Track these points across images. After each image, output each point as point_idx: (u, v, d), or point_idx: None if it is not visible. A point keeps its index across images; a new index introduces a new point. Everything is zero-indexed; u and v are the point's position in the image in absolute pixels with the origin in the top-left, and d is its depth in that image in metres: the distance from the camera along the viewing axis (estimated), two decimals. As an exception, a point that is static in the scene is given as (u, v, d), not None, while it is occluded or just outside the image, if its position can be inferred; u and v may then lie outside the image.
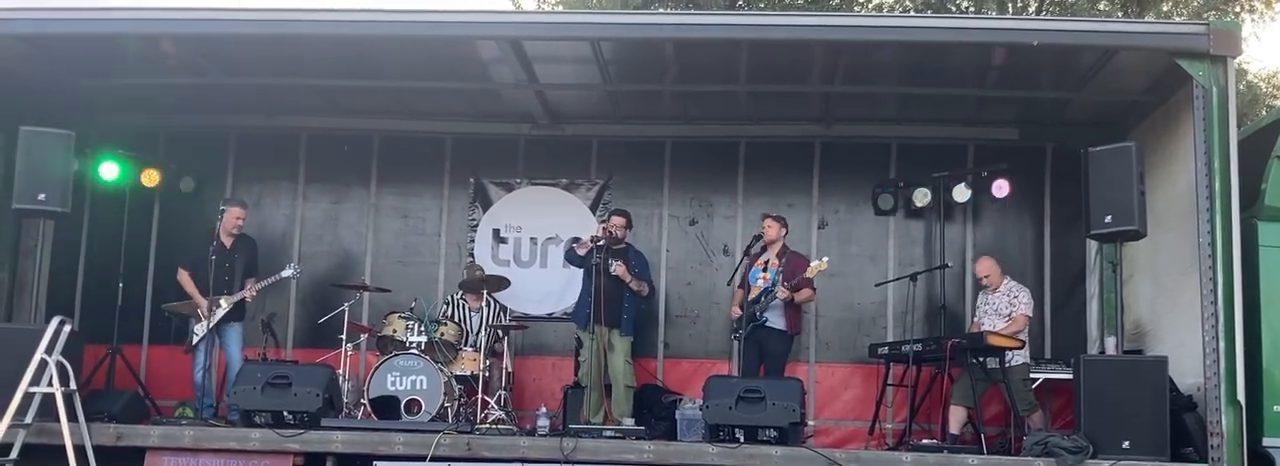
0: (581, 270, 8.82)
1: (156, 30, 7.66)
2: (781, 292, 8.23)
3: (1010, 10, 16.16)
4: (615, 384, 8.55)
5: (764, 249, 8.68)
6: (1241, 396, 6.55)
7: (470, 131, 9.91)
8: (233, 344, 8.75)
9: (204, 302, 8.57)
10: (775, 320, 8.38)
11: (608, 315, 8.47)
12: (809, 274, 8.24)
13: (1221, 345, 6.62)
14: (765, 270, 8.55)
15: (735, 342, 8.63)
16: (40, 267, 8.59)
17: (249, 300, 8.81)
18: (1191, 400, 7.04)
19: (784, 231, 8.65)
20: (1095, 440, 6.72)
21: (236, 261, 8.81)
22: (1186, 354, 7.11)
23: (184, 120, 9.78)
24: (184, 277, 8.74)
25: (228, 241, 8.76)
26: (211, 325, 8.56)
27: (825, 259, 8.30)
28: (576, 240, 8.92)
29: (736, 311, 8.61)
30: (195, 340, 8.60)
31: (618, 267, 8.52)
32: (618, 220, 8.78)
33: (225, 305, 8.63)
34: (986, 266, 8.52)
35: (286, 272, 8.87)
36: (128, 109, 9.47)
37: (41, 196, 7.51)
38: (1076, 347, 8.82)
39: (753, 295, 8.50)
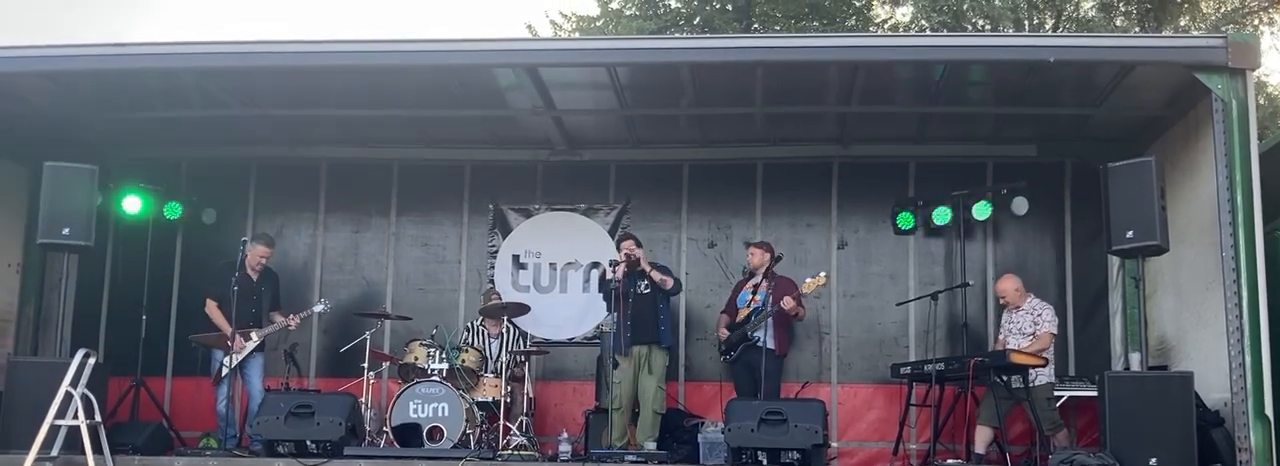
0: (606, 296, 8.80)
1: (176, 65, 7.73)
2: (786, 303, 8.24)
3: (1026, 27, 16.21)
4: (644, 407, 8.50)
5: (752, 274, 8.73)
6: (1269, 410, 6.49)
7: (489, 158, 9.96)
8: (254, 374, 8.76)
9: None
10: (766, 340, 8.38)
11: (644, 333, 8.46)
12: (805, 290, 8.30)
13: (1247, 359, 6.56)
14: (755, 293, 8.59)
15: (726, 364, 8.72)
16: (65, 301, 8.69)
17: (292, 328, 8.85)
18: (1218, 415, 6.98)
19: (768, 256, 8.66)
20: (1122, 458, 6.65)
21: (263, 295, 8.85)
22: (1212, 369, 7.05)
23: (205, 152, 9.88)
24: (212, 309, 8.75)
25: (254, 275, 8.82)
26: (241, 357, 8.56)
27: (822, 273, 8.38)
28: (602, 265, 8.91)
29: (724, 333, 8.71)
30: (223, 371, 8.62)
31: (643, 264, 8.49)
32: (629, 244, 8.74)
33: (256, 337, 8.68)
34: (1005, 285, 8.40)
35: (318, 308, 9.04)
36: (149, 142, 9.60)
37: (66, 231, 7.58)
38: (1100, 364, 8.77)
39: (741, 316, 8.56)
